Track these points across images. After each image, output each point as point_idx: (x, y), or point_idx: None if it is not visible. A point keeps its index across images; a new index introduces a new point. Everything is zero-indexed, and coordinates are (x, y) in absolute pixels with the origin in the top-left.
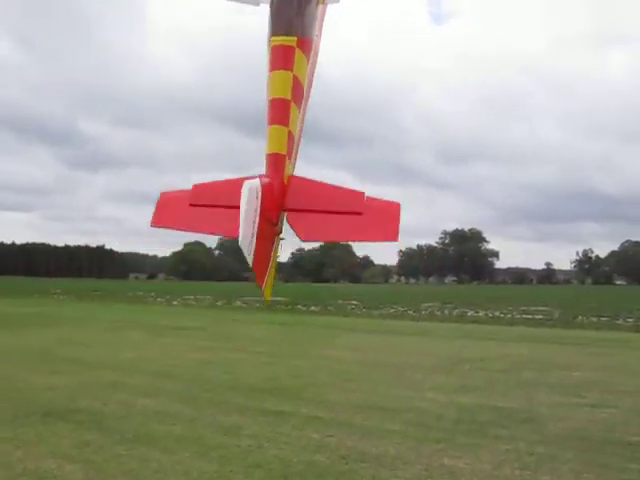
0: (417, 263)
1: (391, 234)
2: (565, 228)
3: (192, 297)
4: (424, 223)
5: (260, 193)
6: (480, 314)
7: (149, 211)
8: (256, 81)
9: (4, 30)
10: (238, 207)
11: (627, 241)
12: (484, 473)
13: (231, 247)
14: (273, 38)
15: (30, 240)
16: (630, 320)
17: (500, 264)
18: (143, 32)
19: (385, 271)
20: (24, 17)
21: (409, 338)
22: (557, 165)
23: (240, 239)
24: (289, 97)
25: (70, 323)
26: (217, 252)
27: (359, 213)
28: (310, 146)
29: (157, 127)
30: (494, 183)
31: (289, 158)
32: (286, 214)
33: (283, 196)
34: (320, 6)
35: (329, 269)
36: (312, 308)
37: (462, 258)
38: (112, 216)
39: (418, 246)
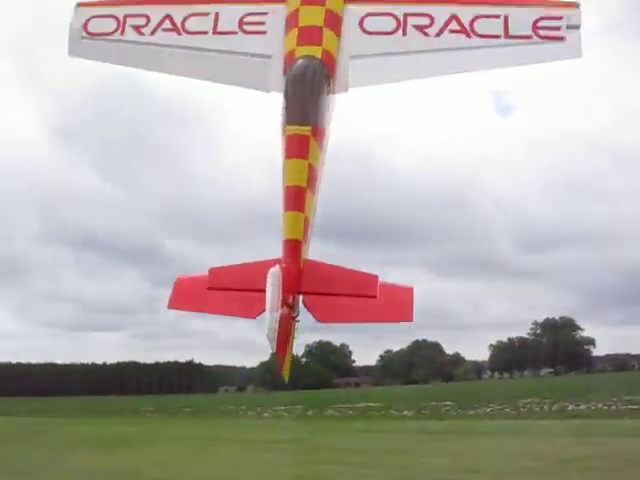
0: (509, 357)
1: (407, 314)
2: None
3: (282, 408)
4: (513, 315)
5: (280, 279)
6: (581, 407)
7: (236, 323)
8: (336, 191)
9: (92, 161)
10: (256, 290)
11: None
12: None
13: (318, 354)
14: (288, 127)
15: (120, 359)
16: None
17: (597, 351)
18: (220, 147)
19: (477, 367)
20: (106, 148)
21: (508, 438)
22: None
23: (268, 325)
24: (304, 185)
25: (161, 442)
26: (304, 359)
27: (373, 296)
28: (389, 246)
29: (235, 239)
30: (581, 267)
31: (305, 242)
32: (302, 296)
33: (299, 279)
34: (331, 96)
35: (418, 369)
36: (405, 412)
37: (556, 348)
38: (200, 330)
39: (509, 339)
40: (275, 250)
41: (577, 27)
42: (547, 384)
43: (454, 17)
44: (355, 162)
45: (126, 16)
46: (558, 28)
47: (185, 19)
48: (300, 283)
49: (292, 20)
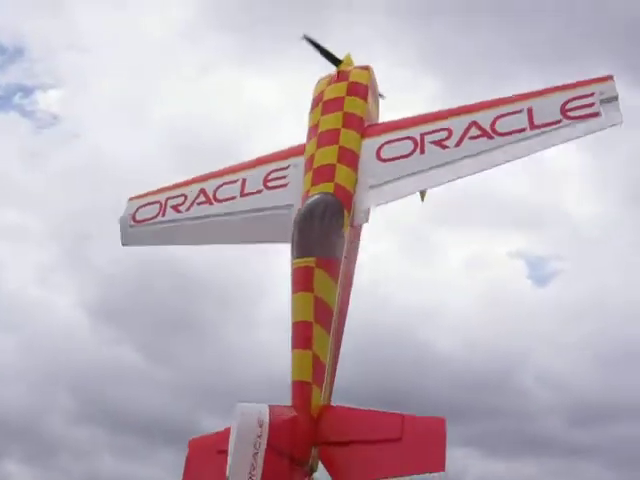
0: None
1: (436, 463)
2: None
3: None
4: None
5: (267, 423)
6: None
7: None
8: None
9: (130, 338)
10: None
11: None
12: None
13: None
14: (294, 261)
15: None
16: None
17: None
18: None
19: None
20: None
21: None
22: None
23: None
24: (311, 319)
25: None
26: None
27: (397, 439)
28: None
29: None
30: (636, 441)
31: (318, 385)
32: (318, 449)
33: (312, 430)
34: (349, 229)
35: None
36: None
37: None
38: None
39: None
40: None
41: (614, 99)
42: None
43: (474, 124)
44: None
45: (167, 199)
46: (591, 105)
47: (217, 189)
48: (313, 433)
49: (308, 165)
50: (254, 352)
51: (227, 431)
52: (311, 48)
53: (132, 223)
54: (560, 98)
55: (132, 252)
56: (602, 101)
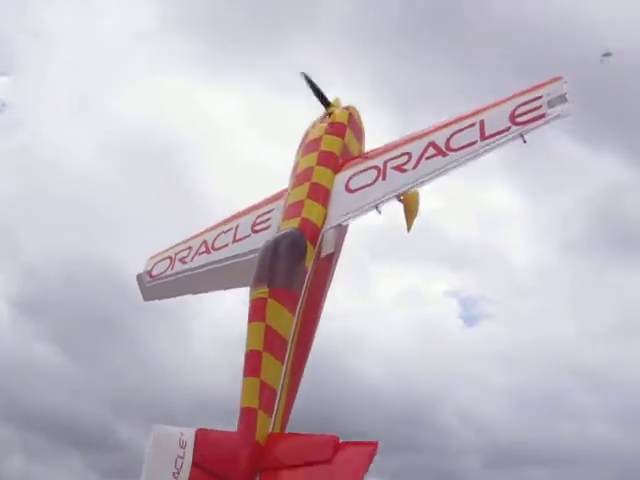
0: None
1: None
2: None
3: None
4: None
5: (191, 445)
6: None
7: None
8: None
9: (50, 335)
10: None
11: None
12: None
13: None
14: (250, 293)
15: None
16: None
17: None
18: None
19: None
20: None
21: None
22: (613, 465)
23: None
24: (260, 348)
25: None
26: None
27: (328, 461)
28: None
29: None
30: None
31: (266, 411)
32: (260, 475)
33: (256, 455)
34: (314, 262)
35: None
36: None
37: None
38: None
39: None
40: None
41: (562, 99)
42: None
43: (431, 144)
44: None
45: (176, 253)
46: (538, 108)
47: (215, 239)
48: (257, 459)
49: (284, 205)
50: (183, 364)
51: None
52: (305, 85)
53: (148, 279)
54: (510, 106)
55: (61, 246)
56: (550, 102)
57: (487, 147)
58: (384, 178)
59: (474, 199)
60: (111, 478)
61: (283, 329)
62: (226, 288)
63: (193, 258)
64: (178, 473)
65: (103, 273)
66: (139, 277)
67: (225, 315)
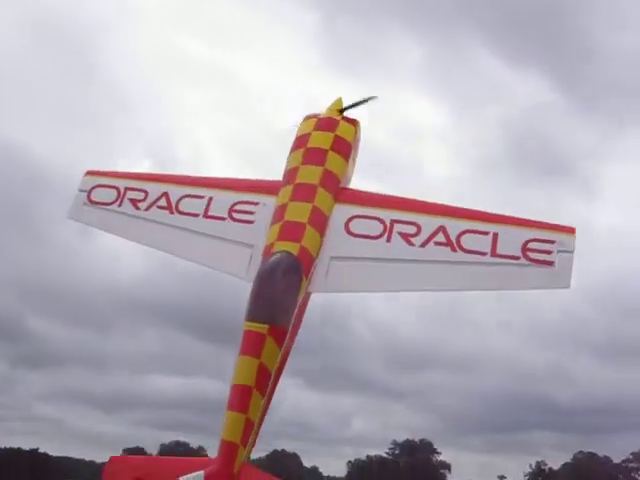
0: (367, 474)
1: None
2: (518, 438)
3: None
4: (375, 433)
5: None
6: None
7: (90, 412)
8: (202, 283)
9: None
10: None
11: (580, 452)
12: None
13: (174, 453)
14: (246, 323)
15: None
16: None
17: (453, 477)
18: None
19: None
20: None
21: None
22: (508, 373)
23: None
24: (252, 384)
25: None
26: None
27: None
28: None
29: (103, 326)
30: (444, 392)
31: (244, 445)
32: None
33: None
34: (301, 296)
35: None
36: None
37: (413, 470)
38: (50, 417)
39: (368, 457)
40: (147, 342)
41: (570, 252)
42: None
43: (442, 228)
44: None
45: (127, 189)
46: (549, 252)
47: (180, 199)
48: None
49: (279, 214)
50: (94, 258)
51: (145, 461)
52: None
53: (86, 201)
54: (524, 234)
55: None
56: (559, 251)
57: (495, 264)
58: (389, 240)
59: (397, 110)
60: (19, 367)
61: (271, 365)
62: (179, 256)
63: (150, 208)
64: None
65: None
66: (78, 196)
67: None
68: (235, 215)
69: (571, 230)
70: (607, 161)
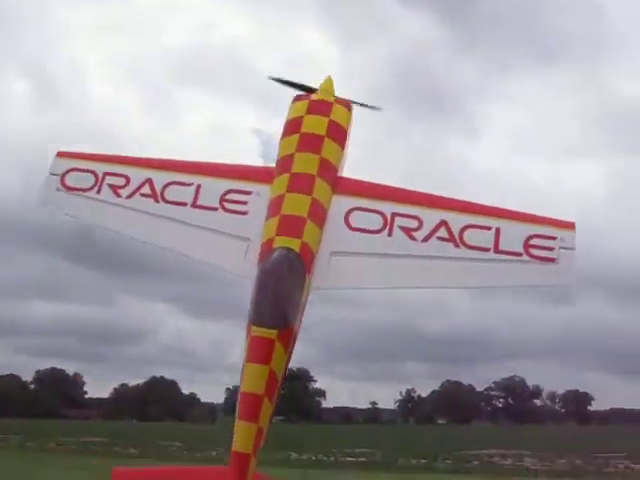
0: None
1: None
2: (390, 368)
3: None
4: None
5: None
6: (304, 457)
7: None
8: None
9: None
10: None
11: (447, 381)
12: None
13: (47, 382)
14: (254, 328)
15: None
16: (448, 461)
17: (327, 403)
18: None
19: (212, 410)
20: None
21: None
22: (385, 305)
23: None
24: (262, 393)
25: None
26: (32, 386)
27: None
28: (140, 280)
29: None
30: (323, 323)
31: (255, 454)
32: None
33: None
34: (306, 295)
35: (154, 406)
36: (131, 450)
37: (291, 397)
38: None
39: None
40: (24, 268)
41: (571, 249)
42: (278, 432)
43: (444, 223)
44: None
45: (105, 174)
46: (551, 249)
47: (165, 186)
48: None
49: (275, 206)
50: None
51: (154, 472)
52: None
53: (60, 187)
54: (526, 230)
55: None
56: (561, 248)
57: (498, 261)
58: (390, 234)
59: (286, 37)
60: None
61: (279, 370)
62: (166, 248)
63: (132, 196)
64: None
65: None
66: (50, 180)
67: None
68: (227, 205)
69: (571, 226)
70: (490, 102)
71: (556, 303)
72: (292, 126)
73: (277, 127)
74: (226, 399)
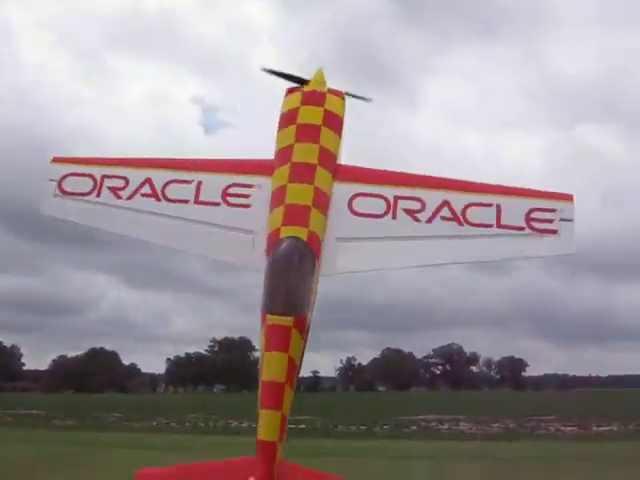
0: (185, 371)
1: None
2: (331, 336)
3: None
4: (194, 330)
5: None
6: (244, 424)
7: None
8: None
9: None
10: None
11: (387, 348)
12: None
13: None
14: (270, 317)
15: None
16: (387, 427)
17: None
18: None
19: (153, 380)
20: None
21: (167, 454)
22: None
23: None
24: (283, 380)
25: None
26: None
27: None
28: (79, 251)
29: None
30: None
31: (282, 441)
32: None
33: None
34: (317, 282)
35: (94, 377)
36: (69, 422)
37: (231, 367)
38: None
39: (187, 354)
40: None
41: (570, 221)
42: (217, 401)
43: (446, 203)
44: None
45: (104, 177)
46: (551, 221)
47: (166, 185)
48: None
49: (278, 197)
50: None
51: (180, 469)
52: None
53: (58, 192)
54: (526, 204)
55: None
56: (561, 219)
57: (501, 235)
58: (394, 217)
59: (226, 4)
60: None
61: (297, 356)
62: (171, 247)
63: (132, 196)
64: None
65: None
66: (47, 187)
67: None
68: (230, 199)
69: (570, 198)
70: (431, 75)
71: (494, 273)
72: (288, 118)
73: (219, 96)
74: (167, 369)
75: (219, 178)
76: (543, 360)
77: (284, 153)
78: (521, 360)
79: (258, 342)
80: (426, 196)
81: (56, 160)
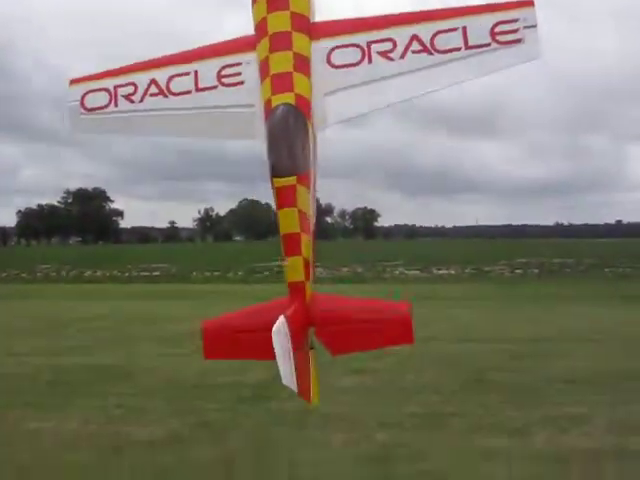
0: (38, 224)
1: (407, 337)
2: (188, 187)
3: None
4: (45, 181)
5: (287, 329)
6: (98, 274)
7: None
8: None
9: None
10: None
11: (244, 199)
12: (69, 432)
13: None
14: (275, 180)
15: None
16: (240, 273)
17: (125, 223)
18: None
19: (4, 233)
20: None
21: (18, 302)
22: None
23: (283, 380)
24: (298, 230)
25: None
26: None
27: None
28: None
29: None
30: (118, 140)
31: (308, 279)
32: (315, 330)
33: (307, 316)
34: (312, 137)
35: None
36: None
37: (86, 218)
38: None
39: (39, 205)
40: None
41: (533, 27)
42: (73, 253)
43: (415, 37)
44: None
45: (116, 87)
46: (515, 31)
47: (169, 81)
48: (309, 319)
49: (264, 69)
50: None
51: (242, 312)
52: None
53: (82, 111)
54: (489, 20)
55: None
56: (525, 27)
57: (471, 55)
58: (370, 61)
59: None
60: None
61: (307, 209)
62: (186, 137)
63: (143, 98)
64: (290, 359)
65: None
66: (73, 108)
67: None
68: (224, 80)
69: (530, 3)
70: None
71: (349, 125)
72: None
73: None
74: (18, 222)
75: (211, 62)
76: (394, 211)
77: (261, 26)
78: (373, 211)
79: (113, 192)
80: (396, 35)
81: (74, 82)
